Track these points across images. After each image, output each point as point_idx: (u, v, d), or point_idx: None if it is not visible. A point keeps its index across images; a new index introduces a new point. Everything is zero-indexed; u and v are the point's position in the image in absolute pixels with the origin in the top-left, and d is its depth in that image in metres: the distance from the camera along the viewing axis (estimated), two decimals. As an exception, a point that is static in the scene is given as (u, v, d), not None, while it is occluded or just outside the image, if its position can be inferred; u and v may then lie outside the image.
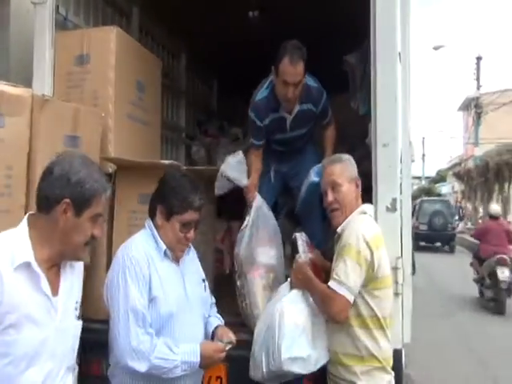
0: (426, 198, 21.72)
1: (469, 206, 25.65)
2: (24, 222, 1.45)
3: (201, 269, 2.10)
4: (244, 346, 2.15)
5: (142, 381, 1.80)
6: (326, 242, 2.77)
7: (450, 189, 42.56)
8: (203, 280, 2.06)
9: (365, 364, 1.96)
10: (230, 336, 1.98)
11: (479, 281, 8.29)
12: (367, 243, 1.95)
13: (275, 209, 2.97)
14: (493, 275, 7.62)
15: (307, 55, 2.62)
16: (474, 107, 23.28)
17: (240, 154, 2.75)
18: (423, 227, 16.87)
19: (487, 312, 7.80)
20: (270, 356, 2.01)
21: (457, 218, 22.64)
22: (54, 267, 1.48)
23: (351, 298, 1.93)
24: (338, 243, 2.07)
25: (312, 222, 2.93)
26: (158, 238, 1.88)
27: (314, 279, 2.08)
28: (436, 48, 22.69)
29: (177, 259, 1.94)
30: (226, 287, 3.01)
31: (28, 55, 2.80)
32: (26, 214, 1.50)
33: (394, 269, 2.17)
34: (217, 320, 2.10)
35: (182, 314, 1.87)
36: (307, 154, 3.09)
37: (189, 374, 1.84)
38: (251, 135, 2.92)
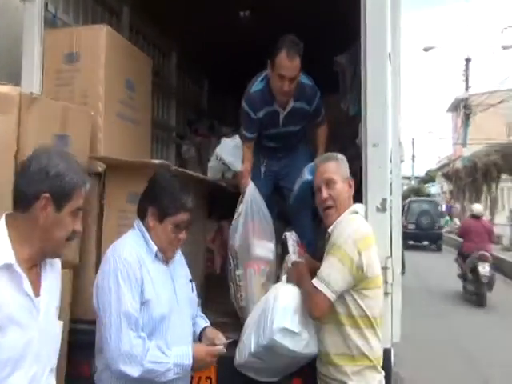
0: (414, 198, 22.47)
1: (457, 205, 25.88)
2: (2, 223, 1.40)
3: (187, 269, 2.08)
4: (233, 346, 2.15)
5: None
6: (316, 241, 2.79)
7: (439, 189, 42.92)
8: (190, 280, 2.04)
9: (356, 364, 1.97)
10: (221, 338, 1.97)
11: (463, 276, 8.84)
12: (355, 243, 1.95)
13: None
14: (475, 270, 8.16)
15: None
16: (463, 108, 23.48)
17: (237, 138, 2.73)
18: (411, 226, 17.60)
19: (470, 305, 8.33)
20: (261, 329, 2.03)
21: (448, 218, 22.95)
22: (34, 267, 1.44)
23: (331, 296, 1.93)
24: (328, 243, 2.07)
25: (302, 221, 2.94)
26: (149, 240, 1.86)
27: (306, 276, 2.09)
28: (426, 49, 22.85)
29: (167, 260, 1.92)
30: (216, 287, 3.01)
31: (16, 52, 2.77)
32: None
33: (384, 268, 2.18)
34: (203, 321, 2.10)
35: (173, 316, 1.85)
36: (299, 154, 3.09)
37: (177, 378, 1.82)
38: (244, 127, 2.91)
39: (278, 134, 2.97)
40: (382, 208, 2.27)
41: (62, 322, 1.55)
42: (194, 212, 1.94)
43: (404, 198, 18.13)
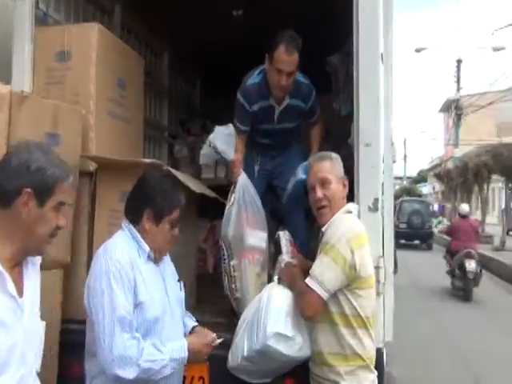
0: (405, 198, 23.02)
1: (449, 205, 26.08)
2: None
3: (174, 268, 2.06)
4: (226, 345, 2.14)
5: None
6: (309, 241, 2.79)
7: (430, 189, 43.22)
8: (178, 280, 2.03)
9: (349, 363, 1.97)
10: (212, 335, 1.97)
11: (451, 272, 9.27)
12: (348, 243, 1.95)
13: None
14: (462, 267, 8.60)
15: None
16: (455, 109, 23.65)
17: (230, 127, 2.71)
18: (403, 226, 17.98)
19: (457, 300, 8.76)
20: (254, 334, 2.02)
21: (441, 218, 23.21)
22: (16, 266, 1.40)
23: (324, 295, 1.93)
24: (321, 242, 2.07)
25: (295, 220, 2.94)
26: (141, 240, 1.83)
27: (299, 277, 2.08)
28: (418, 50, 22.99)
29: (159, 259, 1.91)
30: (208, 287, 3.00)
31: (7, 50, 2.75)
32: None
33: (376, 268, 2.18)
34: (191, 320, 2.09)
35: (166, 317, 1.84)
36: (293, 153, 3.09)
37: (170, 377, 1.81)
38: (237, 120, 2.90)
39: (273, 130, 2.96)
40: (374, 208, 2.28)
41: (44, 323, 1.51)
42: (185, 210, 1.94)
43: (396, 197, 18.33)
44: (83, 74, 2.63)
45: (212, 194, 2.94)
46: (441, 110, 37.43)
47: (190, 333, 2.01)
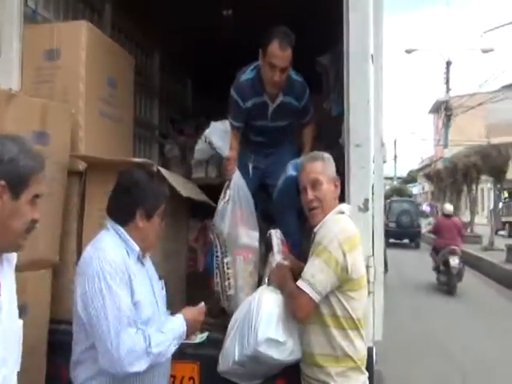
0: (394, 199, 23.68)
1: (438, 205, 26.27)
2: None
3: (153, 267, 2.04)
4: (216, 345, 2.14)
5: None
6: (301, 240, 2.79)
7: (420, 189, 43.53)
8: (160, 278, 2.00)
9: (340, 365, 1.96)
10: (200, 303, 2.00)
11: (436, 268, 9.91)
12: (340, 244, 1.94)
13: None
14: (446, 263, 9.21)
15: None
16: (444, 110, 23.86)
17: (226, 123, 2.72)
18: (392, 225, 18.49)
19: (442, 294, 9.33)
20: (245, 339, 2.00)
21: (431, 218, 23.47)
22: None
23: (315, 297, 1.92)
24: (314, 243, 2.06)
25: (287, 219, 2.94)
26: (129, 240, 1.81)
27: (289, 279, 2.08)
28: (408, 51, 23.15)
29: (144, 259, 1.90)
30: (199, 286, 2.99)
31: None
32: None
33: (366, 267, 2.18)
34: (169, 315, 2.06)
35: (156, 317, 1.83)
36: (285, 152, 3.08)
37: (157, 377, 1.81)
38: (231, 116, 2.90)
39: (267, 128, 2.96)
40: (365, 208, 2.29)
41: (21, 321, 1.47)
42: (176, 210, 1.94)
43: (386, 198, 18.54)
44: (72, 73, 2.61)
45: (201, 197, 2.92)
46: (431, 111, 37.75)
47: None
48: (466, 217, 20.64)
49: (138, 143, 4.21)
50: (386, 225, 16.50)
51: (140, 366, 1.67)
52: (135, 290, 1.74)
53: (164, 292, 2.00)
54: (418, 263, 12.79)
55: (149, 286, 1.86)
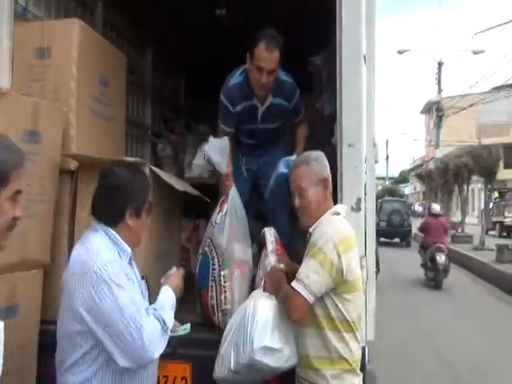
0: (386, 198, 24.14)
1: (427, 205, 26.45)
2: None
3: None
4: (208, 345, 2.14)
5: None
6: (294, 238, 2.78)
7: (412, 189, 43.80)
8: (142, 277, 1.97)
9: (335, 367, 1.95)
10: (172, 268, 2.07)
11: (424, 265, 10.47)
12: (335, 246, 1.92)
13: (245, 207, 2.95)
14: (433, 260, 9.77)
15: None
16: (436, 111, 24.01)
17: (225, 139, 2.72)
18: (383, 224, 18.78)
19: (430, 289, 9.90)
20: (241, 347, 1.98)
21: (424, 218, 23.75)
22: None
23: (310, 299, 1.90)
24: (309, 243, 2.04)
25: (280, 218, 2.94)
26: (120, 241, 1.78)
27: (284, 281, 2.06)
28: (400, 52, 23.27)
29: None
30: (191, 287, 2.97)
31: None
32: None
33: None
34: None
35: None
36: (277, 152, 3.07)
37: (146, 378, 1.79)
38: (221, 121, 2.89)
39: (257, 130, 2.96)
40: (357, 208, 2.29)
41: (2, 323, 1.38)
42: (169, 209, 1.93)
43: (378, 198, 18.67)
44: (64, 71, 2.58)
45: (195, 192, 2.92)
46: (422, 112, 37.99)
47: None
48: (456, 217, 20.82)
49: (131, 142, 4.18)
50: (377, 224, 16.76)
51: (162, 347, 1.71)
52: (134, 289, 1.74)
53: (147, 293, 1.97)
54: (408, 260, 13.11)
55: (137, 288, 1.84)
